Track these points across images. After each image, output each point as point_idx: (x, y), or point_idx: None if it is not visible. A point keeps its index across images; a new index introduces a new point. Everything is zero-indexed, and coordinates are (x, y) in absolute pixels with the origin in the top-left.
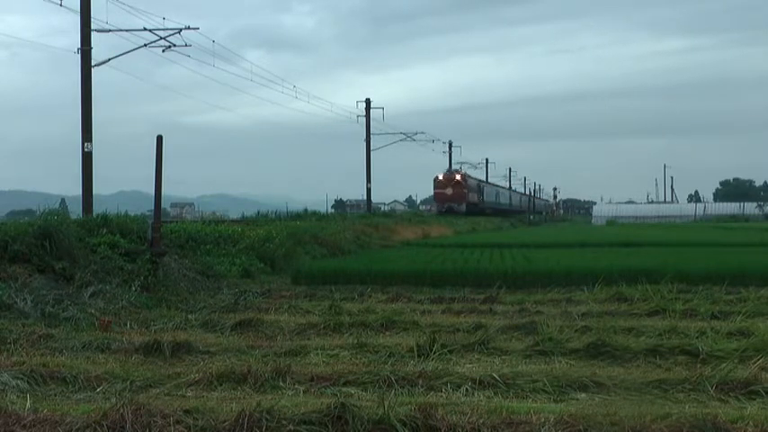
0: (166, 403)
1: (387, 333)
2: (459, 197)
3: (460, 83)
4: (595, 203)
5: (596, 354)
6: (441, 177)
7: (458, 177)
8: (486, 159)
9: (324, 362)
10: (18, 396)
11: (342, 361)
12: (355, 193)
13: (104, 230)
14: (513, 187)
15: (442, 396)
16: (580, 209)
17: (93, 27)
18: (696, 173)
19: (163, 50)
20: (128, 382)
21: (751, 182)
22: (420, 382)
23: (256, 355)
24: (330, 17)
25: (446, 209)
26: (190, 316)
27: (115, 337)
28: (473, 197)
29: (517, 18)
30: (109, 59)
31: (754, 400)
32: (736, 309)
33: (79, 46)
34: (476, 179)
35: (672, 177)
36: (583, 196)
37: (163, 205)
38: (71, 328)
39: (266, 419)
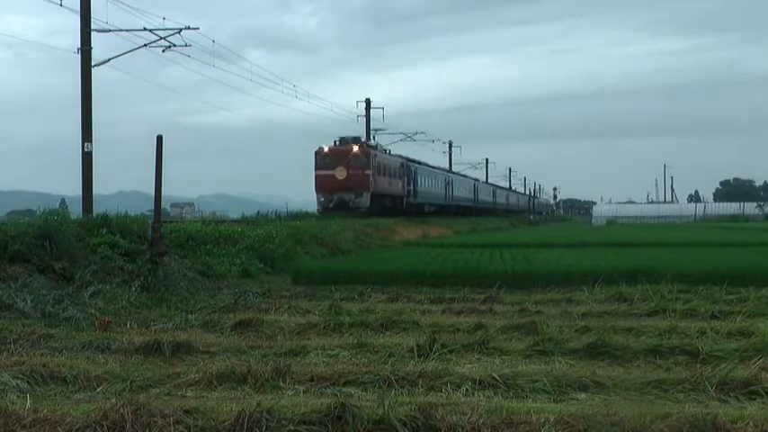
0: (166, 403)
1: (387, 333)
2: (358, 184)
3: (461, 83)
4: (595, 203)
5: (596, 354)
6: (326, 150)
7: (355, 149)
8: (486, 159)
9: (324, 362)
10: (18, 396)
11: (342, 361)
12: None
13: (104, 230)
14: (514, 187)
15: (442, 396)
16: (580, 209)
17: (93, 27)
18: (696, 173)
19: (163, 50)
20: (128, 382)
21: (751, 182)
22: (420, 382)
23: (256, 355)
24: (332, 17)
25: (335, 204)
26: (190, 316)
27: (115, 337)
28: (389, 185)
29: (518, 18)
30: (109, 59)
31: (754, 400)
32: (736, 309)
33: (79, 46)
34: (399, 157)
35: (672, 177)
36: (583, 196)
37: (163, 205)
38: (71, 328)
39: (266, 419)
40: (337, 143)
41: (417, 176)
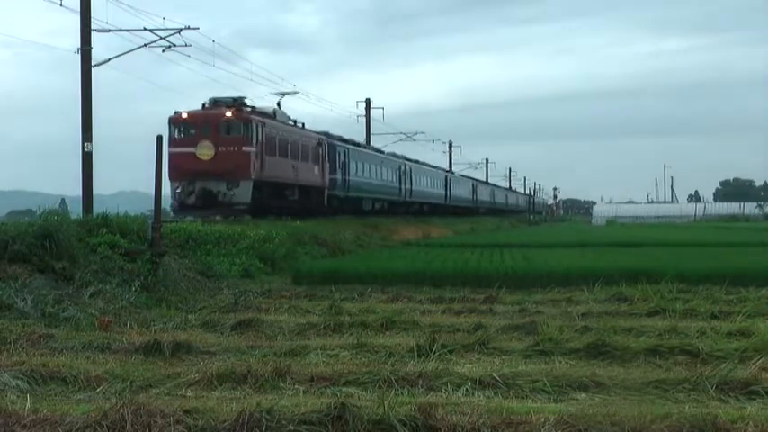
0: (166, 403)
1: (387, 333)
2: (232, 167)
3: (462, 83)
4: (595, 203)
5: (596, 354)
6: (184, 117)
7: (228, 115)
8: (487, 159)
9: (324, 362)
10: (18, 396)
11: (342, 361)
12: None
13: (104, 230)
14: (514, 187)
15: (442, 396)
16: (580, 209)
17: (93, 27)
18: (696, 173)
19: (163, 50)
20: (128, 382)
21: (751, 182)
22: (420, 382)
23: (256, 355)
24: (334, 17)
25: (198, 198)
26: (190, 316)
27: (115, 337)
28: (295, 171)
29: (519, 18)
30: (109, 59)
31: (754, 400)
32: (736, 309)
33: (79, 46)
34: (314, 133)
35: (672, 177)
36: (583, 196)
37: (163, 205)
38: (71, 328)
39: (266, 419)
40: (206, 105)
41: (349, 161)
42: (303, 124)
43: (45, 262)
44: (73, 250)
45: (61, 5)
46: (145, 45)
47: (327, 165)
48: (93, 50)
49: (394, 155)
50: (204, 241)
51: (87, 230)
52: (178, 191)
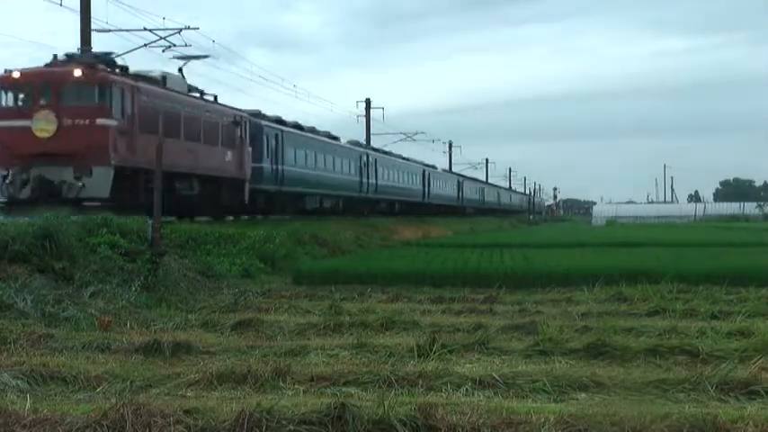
0: (166, 403)
1: (387, 333)
2: (82, 147)
3: (462, 83)
4: (595, 203)
5: (596, 354)
6: (16, 77)
7: (76, 74)
8: (486, 159)
9: (324, 362)
10: (18, 396)
11: (342, 361)
12: None
13: (104, 230)
14: (514, 187)
15: (442, 396)
16: (580, 209)
17: (93, 27)
18: (696, 173)
19: (163, 50)
20: (128, 382)
21: (751, 182)
22: (420, 382)
23: (256, 355)
24: (334, 17)
25: (34, 189)
26: (190, 316)
27: (115, 337)
28: (194, 157)
29: (519, 18)
30: None
31: (754, 400)
32: (736, 309)
33: (79, 46)
34: (231, 109)
35: (672, 177)
36: (583, 196)
37: None
38: (71, 328)
39: (266, 419)
40: (53, 62)
41: (284, 147)
42: (215, 97)
43: (45, 262)
44: (73, 250)
45: (61, 5)
46: (145, 45)
47: (249, 150)
48: (92, 50)
49: (356, 143)
50: (204, 241)
51: (87, 230)
52: (8, 180)
